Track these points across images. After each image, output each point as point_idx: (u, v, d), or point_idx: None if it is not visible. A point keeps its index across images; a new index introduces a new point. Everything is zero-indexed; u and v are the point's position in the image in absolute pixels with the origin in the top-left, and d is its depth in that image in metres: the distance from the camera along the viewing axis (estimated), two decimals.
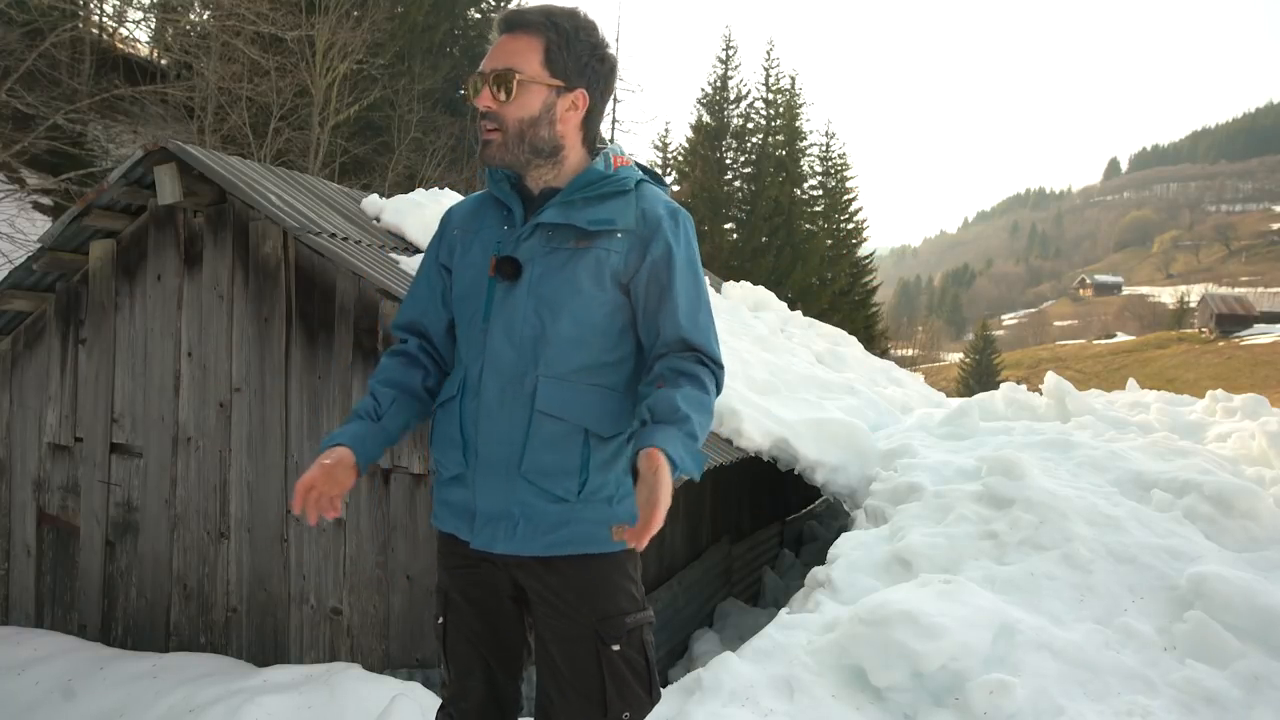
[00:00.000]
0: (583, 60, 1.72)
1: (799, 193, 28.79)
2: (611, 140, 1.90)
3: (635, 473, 1.49)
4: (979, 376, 51.72)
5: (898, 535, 4.50)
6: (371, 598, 4.76)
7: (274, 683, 4.01)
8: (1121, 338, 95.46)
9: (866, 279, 30.05)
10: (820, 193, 29.72)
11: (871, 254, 31.76)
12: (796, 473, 5.85)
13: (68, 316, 5.62)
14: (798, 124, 28.94)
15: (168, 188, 4.96)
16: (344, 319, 4.84)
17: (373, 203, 6.41)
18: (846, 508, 5.94)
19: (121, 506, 5.45)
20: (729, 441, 5.68)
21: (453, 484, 1.79)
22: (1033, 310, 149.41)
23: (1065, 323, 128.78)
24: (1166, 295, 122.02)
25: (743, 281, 11.80)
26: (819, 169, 29.97)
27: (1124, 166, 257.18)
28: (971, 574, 3.96)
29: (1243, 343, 74.22)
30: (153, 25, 16.82)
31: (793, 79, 29.44)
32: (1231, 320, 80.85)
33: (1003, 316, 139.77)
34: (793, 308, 12.59)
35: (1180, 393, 9.39)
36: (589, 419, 1.70)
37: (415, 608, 4.66)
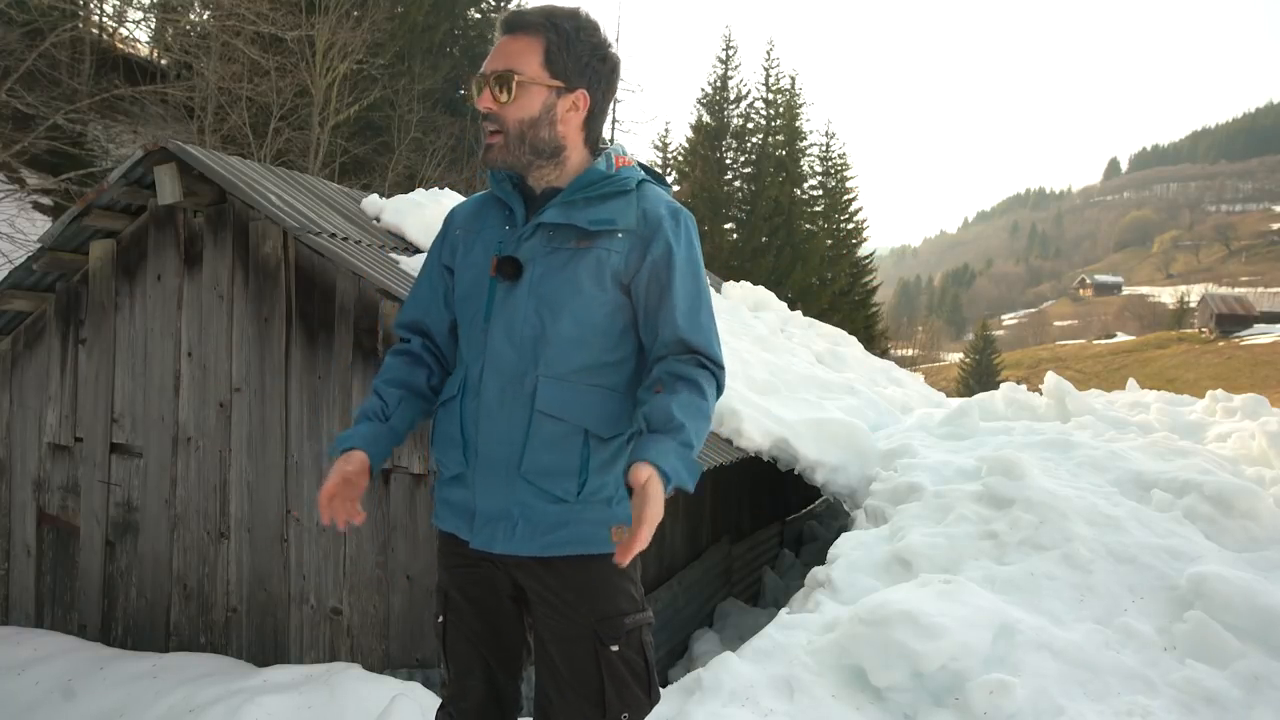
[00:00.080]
0: (583, 61, 1.72)
1: (799, 193, 28.79)
2: (611, 140, 1.90)
3: (629, 487, 1.50)
4: (979, 376, 51.73)
5: (898, 535, 4.50)
6: (371, 598, 4.76)
7: (274, 683, 4.01)
8: (1121, 338, 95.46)
9: (866, 279, 30.05)
10: (820, 193, 29.72)
11: (871, 254, 31.76)
12: (796, 473, 5.85)
13: (68, 316, 5.62)
14: (798, 124, 28.94)
15: (168, 188, 4.96)
16: (344, 319, 4.84)
17: (373, 203, 6.41)
18: (846, 508, 5.94)
19: (121, 506, 5.45)
20: (729, 441, 5.68)
21: (453, 483, 1.80)
22: (1033, 310, 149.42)
23: (1065, 323, 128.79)
24: (1166, 295, 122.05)
25: (743, 281, 11.80)
26: (819, 169, 29.98)
27: (1124, 166, 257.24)
28: (971, 574, 3.96)
29: (1243, 343, 74.23)
30: (153, 25, 16.84)
31: (793, 79, 29.48)
32: (1231, 320, 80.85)
33: (1003, 316, 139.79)
34: (793, 308, 12.59)
35: (1180, 393, 9.39)
36: (589, 420, 1.70)
37: (415, 608, 4.66)
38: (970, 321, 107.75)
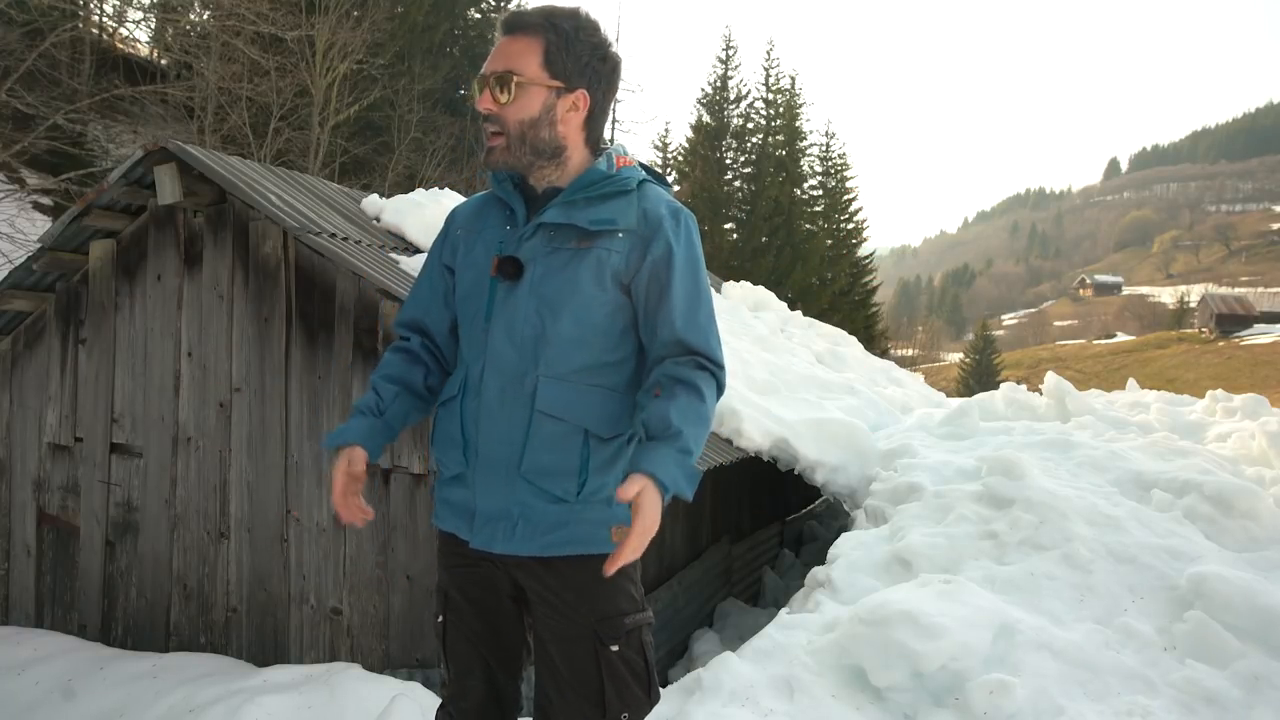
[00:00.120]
0: (583, 60, 1.72)
1: (799, 193, 28.78)
2: (611, 140, 1.90)
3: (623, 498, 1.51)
4: (979, 376, 51.72)
5: (898, 535, 4.50)
6: (371, 598, 4.76)
7: (274, 683, 4.01)
8: (1121, 338, 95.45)
9: (866, 279, 30.05)
10: (820, 193, 29.71)
11: (871, 254, 31.76)
12: (796, 473, 5.85)
13: (68, 316, 5.62)
14: (798, 124, 28.93)
15: (168, 188, 4.96)
16: (344, 319, 4.84)
17: (373, 203, 6.41)
18: (846, 508, 5.94)
19: (121, 506, 5.45)
20: (729, 441, 5.68)
21: (453, 483, 1.80)
22: (1033, 310, 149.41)
23: (1065, 323, 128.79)
24: (1166, 295, 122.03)
25: (743, 281, 11.81)
26: (819, 169, 29.97)
27: (1124, 166, 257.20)
28: (971, 574, 3.96)
29: (1243, 343, 74.22)
30: (153, 25, 16.83)
31: (793, 79, 29.47)
32: (1231, 320, 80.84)
33: (1003, 316, 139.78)
34: (793, 308, 12.59)
35: (1180, 393, 9.39)
36: (589, 420, 1.70)
37: (415, 608, 4.66)
38: (970, 321, 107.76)
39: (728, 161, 28.07)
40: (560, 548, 1.71)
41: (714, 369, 1.70)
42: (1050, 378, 7.43)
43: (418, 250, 5.94)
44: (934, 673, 3.15)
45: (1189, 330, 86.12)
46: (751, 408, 5.89)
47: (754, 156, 28.07)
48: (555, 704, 1.78)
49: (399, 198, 6.58)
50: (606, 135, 1.88)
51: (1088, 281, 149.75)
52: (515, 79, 1.68)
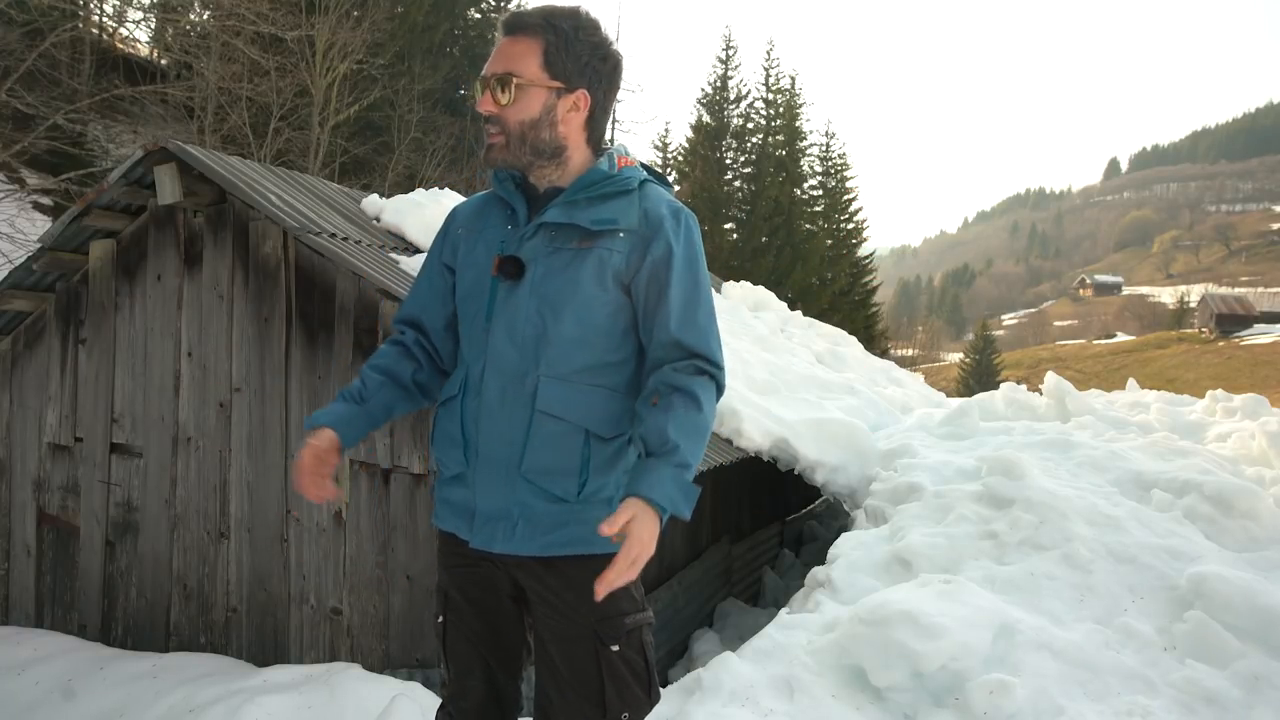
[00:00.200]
0: (583, 61, 1.72)
1: (799, 193, 28.78)
2: (611, 140, 1.90)
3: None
4: (979, 376, 51.72)
5: (898, 535, 4.50)
6: (371, 598, 4.76)
7: (274, 683, 4.01)
8: (1121, 338, 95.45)
9: (866, 279, 30.05)
10: (820, 193, 29.71)
11: (871, 254, 31.76)
12: (796, 473, 5.85)
13: (68, 316, 5.62)
14: (798, 124, 28.94)
15: (168, 188, 4.96)
16: (344, 319, 4.84)
17: (373, 203, 6.41)
18: (846, 508, 5.94)
19: (121, 506, 5.45)
20: (729, 441, 5.68)
21: (453, 483, 1.80)
22: (1033, 310, 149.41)
23: (1065, 323, 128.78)
24: (1166, 295, 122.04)
25: (743, 281, 11.81)
26: (819, 169, 29.98)
27: (1124, 166, 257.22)
28: (971, 574, 3.96)
29: (1243, 343, 74.22)
30: (153, 25, 16.83)
31: (793, 79, 29.47)
32: (1231, 320, 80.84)
33: (1003, 316, 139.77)
34: (793, 308, 12.59)
35: (1180, 393, 9.39)
36: (590, 420, 1.70)
37: (415, 608, 4.66)
38: (970, 321, 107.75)
39: (728, 161, 28.07)
40: (560, 548, 1.70)
41: (713, 370, 1.70)
42: (1050, 378, 7.43)
43: (418, 250, 5.94)
44: (934, 673, 3.15)
45: (1189, 330, 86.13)
46: (751, 408, 5.89)
47: (754, 156, 28.07)
48: (555, 704, 1.78)
49: (399, 198, 6.58)
50: (606, 135, 1.88)
51: (1088, 281, 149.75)
52: (515, 80, 1.68)
